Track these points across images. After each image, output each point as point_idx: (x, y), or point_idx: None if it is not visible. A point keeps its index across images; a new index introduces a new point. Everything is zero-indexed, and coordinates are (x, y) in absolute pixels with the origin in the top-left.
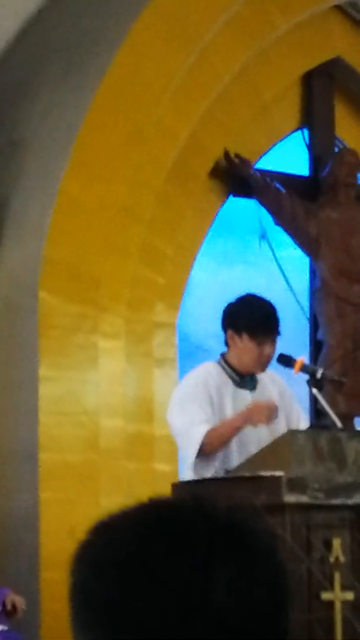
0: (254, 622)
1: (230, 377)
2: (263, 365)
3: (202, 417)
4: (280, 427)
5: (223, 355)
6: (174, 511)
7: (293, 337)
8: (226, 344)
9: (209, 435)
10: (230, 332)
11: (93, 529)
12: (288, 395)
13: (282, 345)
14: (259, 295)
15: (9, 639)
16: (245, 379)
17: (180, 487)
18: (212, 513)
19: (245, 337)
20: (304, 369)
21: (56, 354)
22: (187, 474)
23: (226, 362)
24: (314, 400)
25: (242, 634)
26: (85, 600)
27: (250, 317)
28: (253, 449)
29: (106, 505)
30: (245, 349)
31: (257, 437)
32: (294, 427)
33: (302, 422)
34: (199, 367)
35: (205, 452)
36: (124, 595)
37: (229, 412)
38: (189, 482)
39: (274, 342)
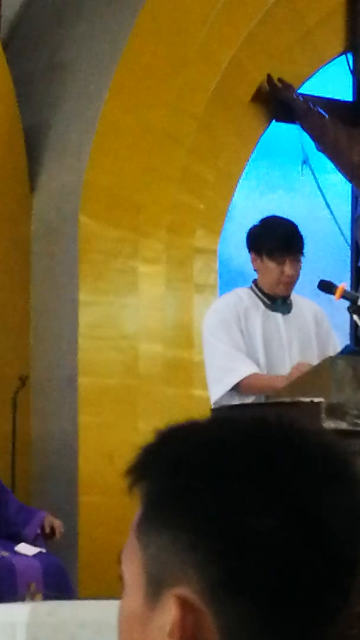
0: (354, 550)
1: (261, 300)
2: (286, 285)
3: (241, 351)
4: (313, 355)
5: (255, 280)
6: (278, 429)
7: (334, 264)
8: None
9: (249, 379)
10: (252, 254)
11: (190, 434)
12: (325, 324)
13: (323, 271)
14: (279, 216)
15: (47, 562)
16: (277, 302)
17: (220, 412)
18: (311, 435)
19: (265, 257)
20: (345, 295)
21: (96, 279)
22: (213, 395)
23: (257, 286)
24: (354, 327)
25: (345, 559)
26: (197, 498)
27: (267, 238)
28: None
29: (144, 430)
30: (266, 270)
31: (289, 364)
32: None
33: (339, 351)
34: (230, 292)
35: (236, 389)
36: (240, 506)
37: (259, 333)
38: (230, 407)
39: (295, 261)
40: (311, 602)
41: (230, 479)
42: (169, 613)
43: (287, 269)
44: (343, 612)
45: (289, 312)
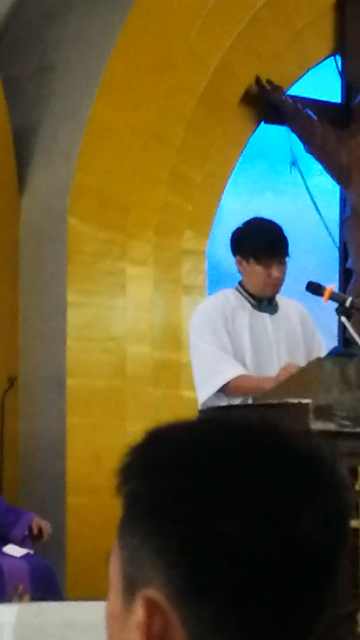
0: (327, 557)
1: (248, 301)
2: (273, 287)
3: (228, 352)
4: (300, 356)
5: (240, 281)
6: (260, 430)
7: (322, 265)
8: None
9: (237, 381)
10: (238, 257)
11: (168, 435)
12: (310, 324)
13: (312, 273)
14: (264, 218)
15: (35, 563)
16: (263, 303)
17: (208, 413)
18: (295, 439)
19: (251, 261)
20: (333, 297)
21: (84, 280)
22: (200, 396)
23: (242, 287)
24: (342, 329)
25: (316, 566)
26: (163, 505)
27: (254, 241)
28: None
29: (132, 431)
30: (253, 272)
31: (277, 364)
32: (315, 356)
33: (323, 352)
34: (216, 293)
35: (223, 390)
36: (209, 510)
37: (246, 333)
38: (217, 409)
39: (281, 263)
40: (281, 606)
41: (203, 483)
42: (137, 614)
43: (274, 271)
44: (323, 615)
45: (275, 312)
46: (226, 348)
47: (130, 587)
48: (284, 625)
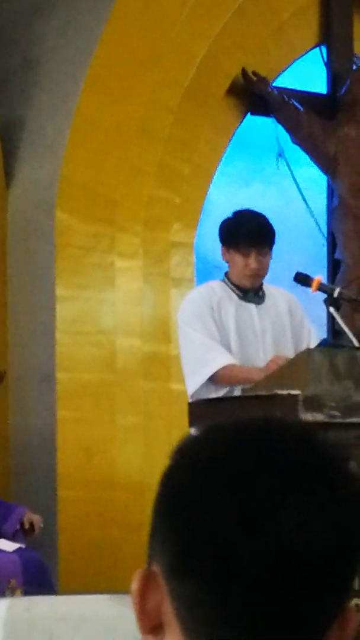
0: (311, 561)
1: (234, 292)
2: (252, 277)
3: (217, 342)
4: (287, 346)
5: (226, 273)
6: (281, 431)
7: (310, 256)
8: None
9: (225, 370)
10: (223, 247)
11: (208, 427)
12: (299, 313)
13: (300, 264)
14: (251, 210)
15: (27, 557)
16: (249, 294)
17: (198, 405)
18: (320, 447)
19: (232, 250)
20: (321, 287)
21: (73, 274)
22: (190, 386)
23: (228, 278)
24: (331, 320)
25: (298, 567)
26: (168, 491)
27: (234, 229)
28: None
29: (122, 425)
30: (233, 261)
31: (263, 356)
32: (304, 346)
33: (314, 341)
34: (202, 284)
35: (212, 380)
36: (201, 493)
37: (232, 324)
38: (206, 401)
39: (261, 253)
40: (254, 599)
41: (204, 482)
42: (134, 584)
43: (252, 261)
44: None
45: (261, 302)
46: (214, 337)
47: (148, 564)
48: (266, 615)
